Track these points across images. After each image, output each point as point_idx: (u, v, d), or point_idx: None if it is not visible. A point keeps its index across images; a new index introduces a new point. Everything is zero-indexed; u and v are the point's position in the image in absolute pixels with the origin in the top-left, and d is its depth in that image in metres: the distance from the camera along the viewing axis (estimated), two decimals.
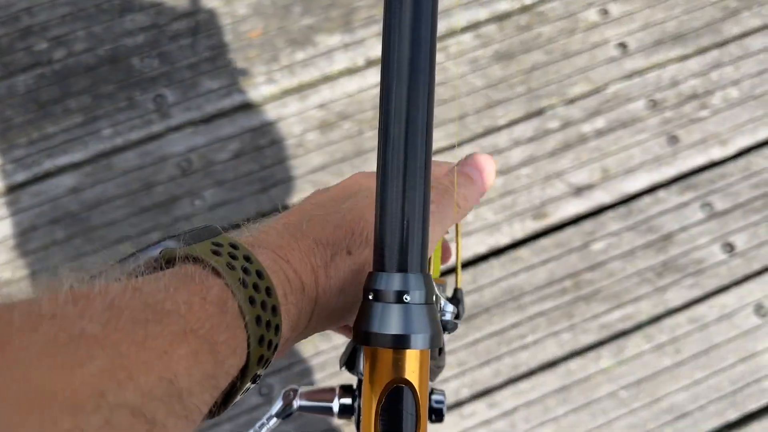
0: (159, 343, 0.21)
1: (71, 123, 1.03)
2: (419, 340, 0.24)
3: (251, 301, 0.25)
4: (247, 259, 0.26)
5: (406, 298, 0.24)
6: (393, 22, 0.25)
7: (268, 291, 0.26)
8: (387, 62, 0.25)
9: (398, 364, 0.24)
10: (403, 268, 0.25)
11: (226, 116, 1.04)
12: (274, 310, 0.26)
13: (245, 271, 0.25)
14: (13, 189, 1.01)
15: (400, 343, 0.24)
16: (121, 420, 0.19)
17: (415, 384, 0.25)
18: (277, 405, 0.36)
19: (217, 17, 1.09)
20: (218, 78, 1.06)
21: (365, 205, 0.32)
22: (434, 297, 0.26)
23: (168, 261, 0.26)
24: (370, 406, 0.25)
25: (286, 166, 1.02)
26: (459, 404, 0.93)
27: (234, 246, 0.26)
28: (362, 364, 0.33)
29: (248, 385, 0.26)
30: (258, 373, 0.26)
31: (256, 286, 0.25)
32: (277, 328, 0.26)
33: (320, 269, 0.29)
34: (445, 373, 0.94)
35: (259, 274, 0.26)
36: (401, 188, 0.25)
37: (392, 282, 0.25)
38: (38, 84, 1.05)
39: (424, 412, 0.25)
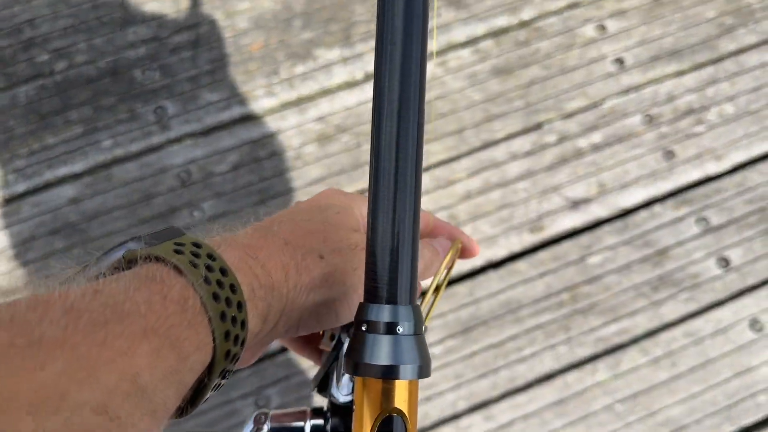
0: (120, 343, 0.21)
1: (72, 134, 1.04)
2: (408, 371, 0.25)
3: (215, 297, 0.25)
4: (211, 257, 0.26)
5: (399, 330, 0.25)
6: (384, 60, 0.26)
7: (233, 287, 0.26)
8: (378, 98, 0.26)
9: (389, 394, 0.25)
10: (392, 300, 0.26)
11: (225, 128, 1.05)
12: (240, 305, 0.26)
13: (209, 268, 0.26)
14: (13, 199, 1.01)
15: (391, 373, 0.25)
16: (83, 418, 0.19)
17: (406, 412, 0.25)
18: (248, 428, 0.36)
19: (218, 30, 1.10)
20: (218, 90, 1.06)
21: (339, 220, 0.33)
22: (423, 327, 0.26)
23: (130, 262, 0.26)
24: None
25: (285, 178, 1.03)
26: (456, 417, 0.93)
27: (197, 245, 0.27)
28: (335, 387, 0.34)
29: (217, 380, 0.26)
30: (227, 368, 0.26)
31: (219, 283, 0.25)
32: (243, 323, 0.26)
33: (291, 267, 0.29)
34: (441, 386, 0.94)
35: (223, 272, 0.26)
36: (391, 222, 0.25)
37: (383, 313, 0.25)
38: (39, 95, 1.06)
39: None
